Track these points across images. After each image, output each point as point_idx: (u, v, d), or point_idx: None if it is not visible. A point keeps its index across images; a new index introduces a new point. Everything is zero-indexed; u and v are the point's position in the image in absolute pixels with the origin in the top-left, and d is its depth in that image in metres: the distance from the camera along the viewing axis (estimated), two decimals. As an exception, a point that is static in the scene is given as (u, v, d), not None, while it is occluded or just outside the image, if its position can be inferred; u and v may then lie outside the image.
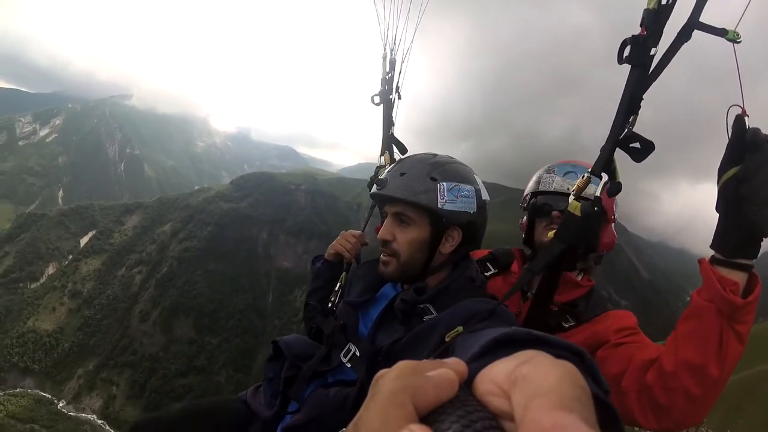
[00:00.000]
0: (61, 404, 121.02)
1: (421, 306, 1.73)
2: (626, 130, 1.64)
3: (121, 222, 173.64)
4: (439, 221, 1.79)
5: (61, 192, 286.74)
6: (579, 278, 2.26)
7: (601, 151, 1.71)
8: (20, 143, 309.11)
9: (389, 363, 1.39)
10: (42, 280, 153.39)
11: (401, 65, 2.56)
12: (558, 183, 2.22)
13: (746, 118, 1.51)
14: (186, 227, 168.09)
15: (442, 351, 1.42)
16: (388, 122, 2.53)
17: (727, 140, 1.53)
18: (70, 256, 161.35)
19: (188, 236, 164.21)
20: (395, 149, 2.50)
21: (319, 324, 2.02)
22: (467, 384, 0.46)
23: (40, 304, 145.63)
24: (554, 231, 1.98)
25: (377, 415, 0.41)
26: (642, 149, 1.64)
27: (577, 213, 1.71)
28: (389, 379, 0.44)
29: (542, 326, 1.89)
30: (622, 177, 1.69)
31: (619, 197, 1.81)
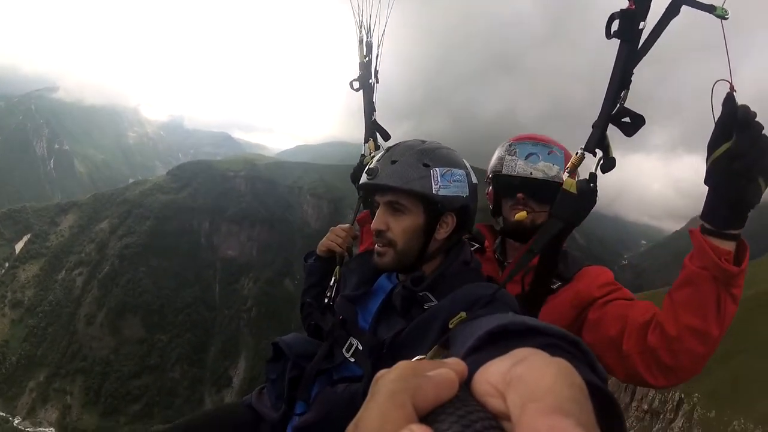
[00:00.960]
0: (16, 421, 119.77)
1: (421, 294, 1.69)
2: (618, 105, 1.66)
3: (56, 223, 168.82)
4: (434, 207, 1.74)
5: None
6: None
7: (593, 127, 1.72)
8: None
9: (393, 355, 1.44)
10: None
11: (378, 48, 2.55)
12: (521, 167, 2.21)
13: (734, 93, 1.53)
14: (124, 223, 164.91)
15: (446, 339, 1.25)
16: (369, 108, 2.55)
17: (714, 115, 1.55)
18: (7, 264, 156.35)
19: (128, 232, 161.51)
20: (378, 136, 2.53)
21: (318, 321, 2.02)
22: (466, 382, 0.46)
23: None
24: (521, 213, 2.14)
25: (377, 415, 0.40)
26: (633, 123, 1.67)
27: (573, 190, 1.72)
28: (389, 380, 0.43)
29: (540, 304, 2.00)
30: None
31: None
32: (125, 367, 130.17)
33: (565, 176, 1.80)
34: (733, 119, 1.51)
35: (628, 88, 1.66)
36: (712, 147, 1.58)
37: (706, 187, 1.62)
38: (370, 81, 2.58)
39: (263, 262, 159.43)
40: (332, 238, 2.37)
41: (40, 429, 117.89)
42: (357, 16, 2.54)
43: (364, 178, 1.82)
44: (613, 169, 1.77)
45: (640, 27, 1.61)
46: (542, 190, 2.18)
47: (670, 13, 1.61)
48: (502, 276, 2.26)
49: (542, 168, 2.19)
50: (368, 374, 1.62)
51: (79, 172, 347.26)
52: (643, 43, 1.63)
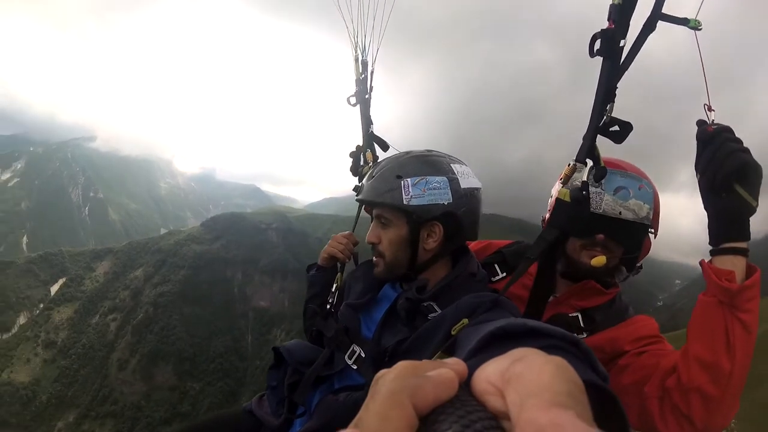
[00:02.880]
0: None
1: (425, 304, 1.71)
2: (605, 117, 1.72)
3: (92, 268, 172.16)
4: (411, 218, 1.77)
5: (25, 238, 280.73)
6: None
7: (583, 139, 1.77)
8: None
9: (395, 363, 1.45)
10: (14, 331, 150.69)
11: (372, 65, 2.67)
12: (608, 204, 1.95)
13: (712, 112, 1.61)
14: (159, 272, 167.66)
15: (449, 345, 1.43)
16: (366, 121, 2.63)
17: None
18: (41, 305, 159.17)
19: (162, 281, 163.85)
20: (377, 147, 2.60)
21: (320, 327, 2.00)
22: (466, 382, 0.46)
23: (13, 356, 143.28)
24: (599, 258, 1.99)
25: (377, 415, 0.40)
26: (621, 131, 1.72)
27: (567, 199, 1.77)
28: (389, 380, 0.44)
29: (540, 314, 1.94)
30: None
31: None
32: (156, 413, 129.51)
33: (559, 186, 1.84)
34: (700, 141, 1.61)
35: (613, 101, 1.72)
36: (695, 169, 1.67)
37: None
38: (366, 96, 2.68)
39: (295, 313, 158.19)
40: (334, 245, 2.39)
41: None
42: (352, 37, 2.68)
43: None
44: (604, 178, 1.83)
45: (621, 44, 1.67)
46: (627, 233, 2.01)
47: (647, 29, 1.68)
48: (547, 310, 2.17)
49: (633, 207, 1.97)
50: (370, 381, 1.38)
51: (113, 220, 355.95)
52: (624, 59, 1.70)
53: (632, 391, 1.81)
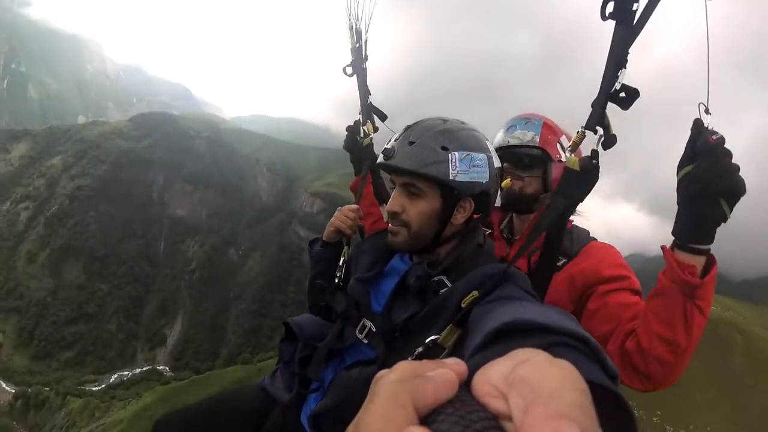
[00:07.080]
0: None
1: (436, 279, 1.64)
2: (616, 84, 1.69)
3: (7, 149, 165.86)
4: (451, 193, 1.64)
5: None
6: None
7: (593, 106, 1.75)
8: None
9: (407, 338, 1.46)
10: None
11: (366, 34, 2.60)
12: (499, 138, 2.27)
13: (708, 116, 1.57)
14: (79, 163, 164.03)
15: (460, 318, 1.40)
16: (364, 91, 2.58)
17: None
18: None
19: (81, 173, 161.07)
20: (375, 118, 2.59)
21: (329, 302, 1.97)
22: (467, 381, 0.46)
23: None
24: (505, 181, 2.17)
25: (377, 416, 0.40)
26: (628, 97, 1.70)
27: (576, 168, 1.75)
28: (389, 380, 0.44)
29: (547, 285, 1.97)
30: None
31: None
32: (62, 311, 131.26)
33: (567, 154, 1.83)
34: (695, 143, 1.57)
35: (625, 67, 1.69)
36: (679, 167, 1.63)
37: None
38: (363, 66, 2.64)
39: (211, 227, 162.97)
40: (342, 219, 2.28)
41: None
42: (347, 3, 2.61)
43: (380, 159, 1.74)
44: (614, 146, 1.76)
45: (634, 8, 1.63)
46: (521, 156, 2.26)
47: None
48: (511, 253, 2.31)
49: (517, 135, 2.25)
50: (382, 356, 1.61)
51: (32, 98, 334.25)
52: (636, 23, 1.66)
53: (600, 341, 1.54)
